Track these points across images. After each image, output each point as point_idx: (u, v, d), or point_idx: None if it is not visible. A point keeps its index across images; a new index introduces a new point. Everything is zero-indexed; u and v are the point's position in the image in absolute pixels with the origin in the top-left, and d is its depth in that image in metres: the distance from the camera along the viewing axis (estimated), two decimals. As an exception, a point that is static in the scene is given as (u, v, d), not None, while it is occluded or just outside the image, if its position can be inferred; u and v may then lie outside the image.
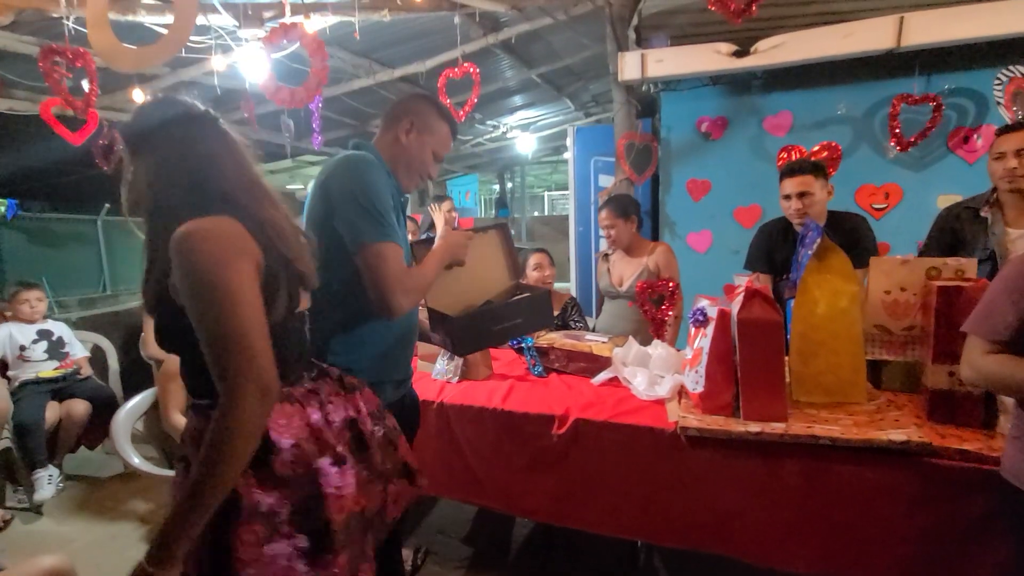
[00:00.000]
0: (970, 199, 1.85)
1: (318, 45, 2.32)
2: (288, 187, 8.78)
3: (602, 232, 2.42)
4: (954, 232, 1.84)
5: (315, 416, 0.91)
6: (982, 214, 1.77)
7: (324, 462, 0.88)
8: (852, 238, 1.90)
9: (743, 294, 1.39)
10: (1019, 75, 2.70)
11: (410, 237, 1.50)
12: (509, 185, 11.23)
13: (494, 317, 1.39)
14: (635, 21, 3.06)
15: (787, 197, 1.97)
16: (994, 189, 1.76)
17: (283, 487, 0.85)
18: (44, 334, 2.89)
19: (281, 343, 0.86)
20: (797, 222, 1.96)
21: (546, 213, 14.47)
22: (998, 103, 2.75)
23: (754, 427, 1.33)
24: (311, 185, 1.24)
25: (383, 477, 1.01)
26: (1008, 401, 1.21)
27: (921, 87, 2.83)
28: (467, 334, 1.37)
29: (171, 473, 1.80)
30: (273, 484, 0.84)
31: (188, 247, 0.79)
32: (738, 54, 2.82)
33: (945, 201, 2.96)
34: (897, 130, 2.84)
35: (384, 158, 1.27)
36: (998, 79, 2.73)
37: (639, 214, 2.40)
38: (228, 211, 0.85)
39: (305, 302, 0.99)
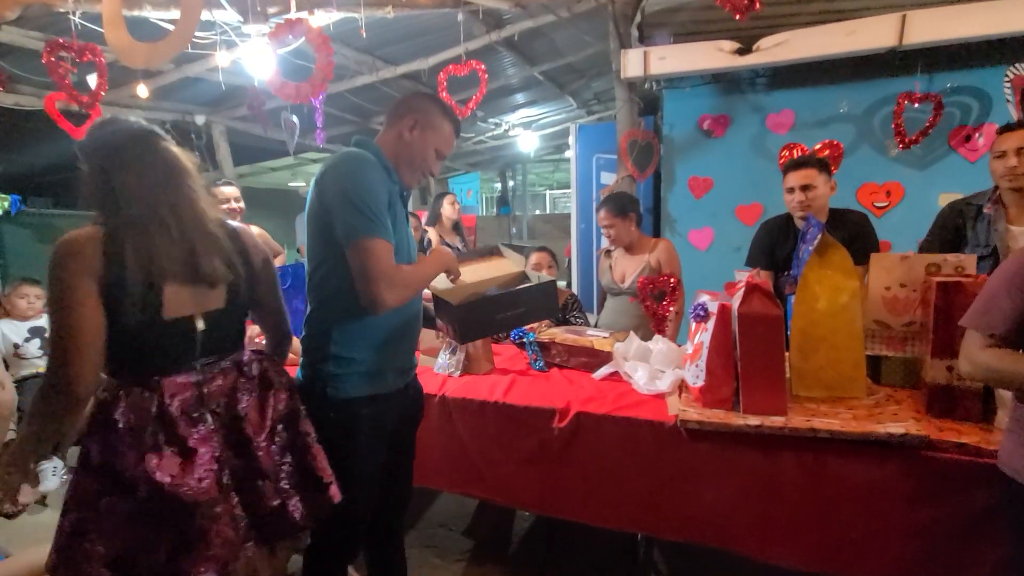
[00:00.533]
0: (973, 196, 1.86)
1: (323, 40, 2.33)
2: (290, 184, 8.80)
3: (602, 231, 2.43)
4: (956, 228, 1.85)
5: (164, 404, 1.01)
6: (985, 211, 1.78)
7: (150, 448, 0.99)
8: (854, 235, 1.91)
9: (743, 289, 1.41)
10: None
11: (413, 233, 1.52)
12: (511, 183, 11.23)
13: (498, 305, 1.39)
14: (638, 18, 3.06)
15: (790, 190, 1.98)
16: (996, 187, 1.77)
17: (112, 457, 0.98)
18: (37, 331, 2.90)
19: (140, 342, 1.00)
20: (799, 215, 1.97)
21: (548, 211, 14.47)
22: (1008, 101, 2.74)
23: (754, 420, 1.35)
24: (311, 182, 1.26)
25: (253, 476, 1.08)
26: (1006, 395, 1.22)
27: (924, 86, 2.84)
28: (471, 321, 1.37)
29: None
30: (107, 453, 0.99)
31: (50, 257, 0.94)
32: (740, 52, 2.83)
33: (946, 200, 2.95)
34: (901, 128, 2.84)
35: (387, 155, 1.29)
36: (1007, 76, 2.73)
37: (638, 211, 2.41)
38: (104, 223, 0.98)
39: (212, 303, 1.09)
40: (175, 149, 1.07)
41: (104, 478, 0.99)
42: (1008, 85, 2.74)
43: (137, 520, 0.97)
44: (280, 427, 1.14)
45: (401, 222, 1.31)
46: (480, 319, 1.37)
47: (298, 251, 3.92)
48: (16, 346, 2.79)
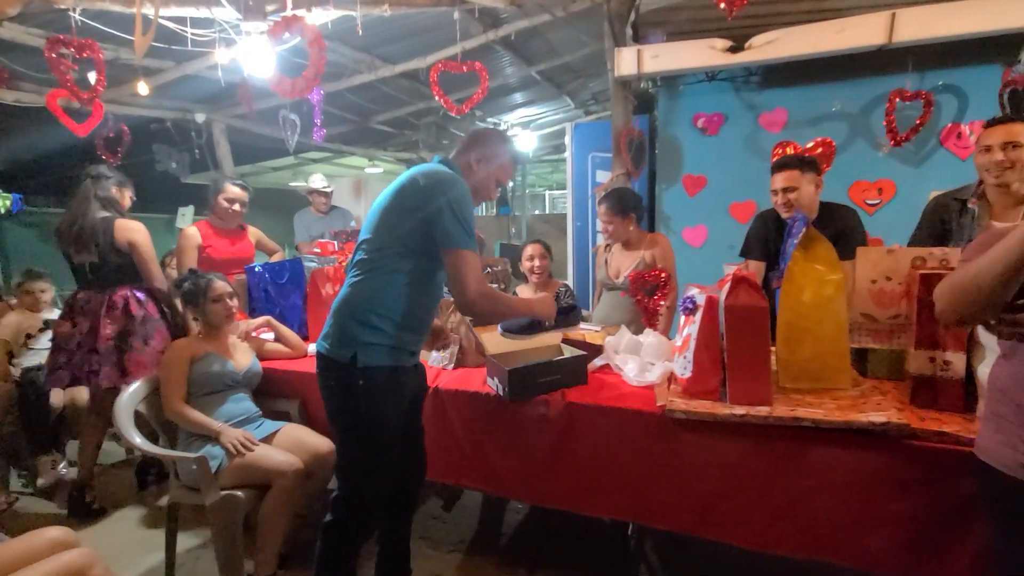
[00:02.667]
0: (958, 190, 1.87)
1: (315, 36, 2.36)
2: (291, 184, 8.81)
3: (599, 227, 2.45)
4: (942, 222, 1.86)
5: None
6: (969, 206, 1.79)
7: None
8: (842, 229, 1.93)
9: (730, 281, 1.43)
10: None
11: None
12: (511, 184, 11.25)
13: (540, 371, 1.65)
14: (632, 18, 3.09)
15: (775, 192, 2.00)
16: (981, 182, 1.79)
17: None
18: (50, 324, 2.93)
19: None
20: (785, 215, 1.99)
21: (547, 211, 14.47)
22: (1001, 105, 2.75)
23: (739, 410, 1.37)
24: (403, 176, 1.44)
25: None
26: (985, 384, 1.24)
27: (914, 83, 2.86)
28: (517, 382, 1.61)
29: (171, 453, 1.84)
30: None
31: None
32: (732, 49, 2.86)
33: (938, 197, 3.00)
34: (893, 125, 2.87)
35: (470, 181, 1.48)
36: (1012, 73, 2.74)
37: (640, 210, 2.42)
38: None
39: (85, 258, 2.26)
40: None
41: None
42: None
43: None
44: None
45: None
46: (526, 381, 1.63)
47: (296, 248, 3.94)
48: (28, 336, 2.82)
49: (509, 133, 6.98)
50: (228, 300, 2.04)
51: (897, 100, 2.83)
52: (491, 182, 1.55)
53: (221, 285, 2.04)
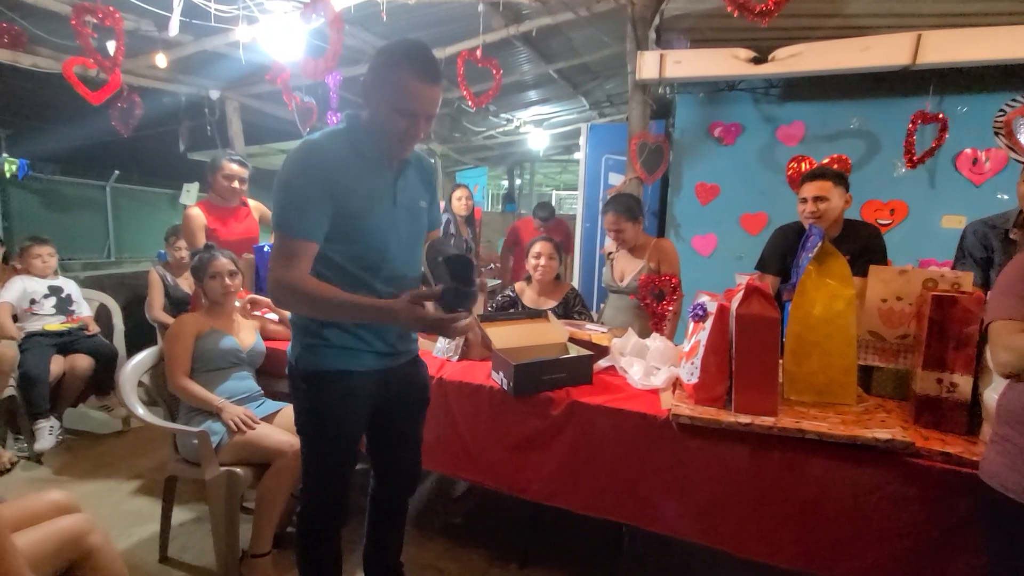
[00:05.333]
0: (995, 218, 1.85)
1: (335, 16, 2.35)
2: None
3: (608, 234, 2.41)
4: (986, 248, 1.85)
5: None
6: (1011, 236, 1.78)
7: None
8: (868, 247, 1.94)
9: (743, 291, 1.43)
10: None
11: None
12: (518, 181, 11.23)
13: (546, 368, 1.64)
14: (656, 22, 3.08)
15: (803, 200, 2.01)
16: (1021, 211, 1.77)
17: None
18: (55, 290, 2.94)
19: None
20: (822, 229, 1.98)
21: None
22: (996, 132, 2.74)
23: (744, 419, 1.37)
24: None
25: None
26: (991, 409, 1.25)
27: (934, 107, 2.86)
28: (523, 378, 1.60)
29: (173, 426, 1.85)
30: None
31: None
32: (756, 60, 2.85)
33: (949, 221, 3.00)
34: (912, 147, 2.85)
35: (365, 127, 1.23)
36: (1001, 109, 2.73)
37: (643, 212, 2.42)
38: None
39: None
40: None
41: None
42: (1000, 116, 2.73)
43: None
44: None
45: (370, 200, 1.22)
46: (531, 377, 1.61)
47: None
48: (33, 301, 2.82)
49: (521, 130, 6.98)
50: (227, 278, 2.02)
51: (919, 122, 2.82)
52: (393, 117, 1.16)
53: (222, 262, 2.03)
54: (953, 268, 1.95)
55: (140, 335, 3.30)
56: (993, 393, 1.26)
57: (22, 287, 2.81)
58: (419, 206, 1.35)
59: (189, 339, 1.94)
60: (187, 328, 1.96)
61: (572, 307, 2.51)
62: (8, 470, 2.46)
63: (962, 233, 1.94)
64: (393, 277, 1.28)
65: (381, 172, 1.25)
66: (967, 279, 1.47)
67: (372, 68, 1.18)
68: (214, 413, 1.83)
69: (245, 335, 2.07)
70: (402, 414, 1.46)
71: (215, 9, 2.66)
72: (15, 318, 2.77)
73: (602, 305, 2.67)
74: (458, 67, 3.21)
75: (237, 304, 2.15)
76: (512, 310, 2.40)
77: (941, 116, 2.77)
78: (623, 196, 2.52)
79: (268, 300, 2.27)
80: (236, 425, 1.79)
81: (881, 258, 1.99)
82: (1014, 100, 2.65)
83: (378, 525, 1.56)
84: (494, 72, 3.21)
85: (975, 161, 2.91)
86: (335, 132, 1.24)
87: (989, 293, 1.15)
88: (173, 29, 2.27)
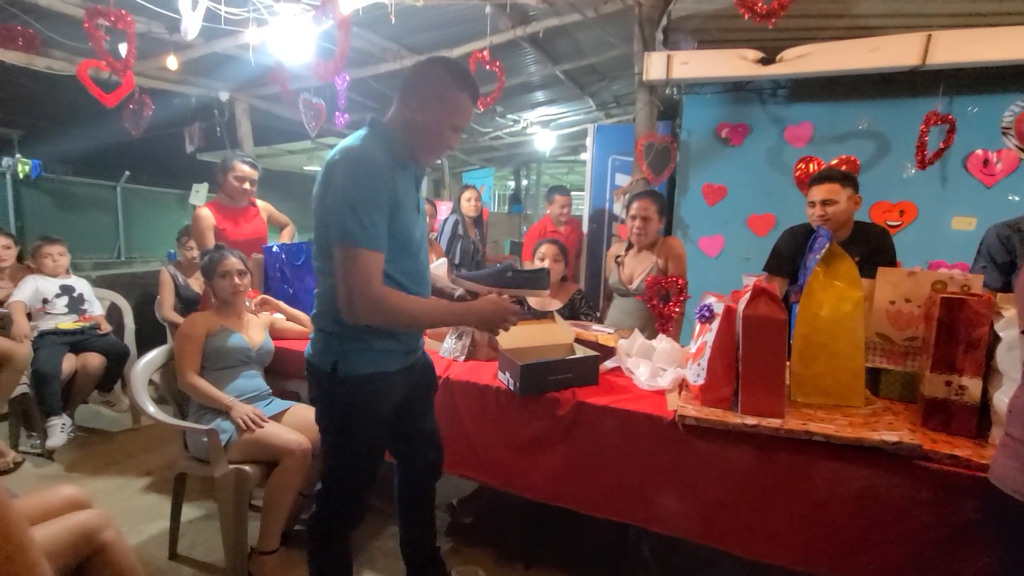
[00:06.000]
0: (1020, 220, 1.83)
1: (343, 17, 2.37)
2: (306, 168, 8.86)
3: (630, 221, 2.34)
4: (1009, 252, 1.83)
5: None
6: None
7: None
8: (877, 248, 1.93)
9: (750, 292, 1.43)
10: None
11: (428, 220, 1.55)
12: (525, 182, 11.23)
13: (552, 369, 1.65)
14: (664, 23, 3.08)
15: (812, 204, 2.00)
16: None
17: None
18: (67, 289, 2.98)
19: None
20: (830, 231, 1.97)
21: (559, 212, 14.46)
22: (1004, 132, 2.70)
23: (751, 420, 1.37)
24: (323, 165, 1.25)
25: None
26: (1001, 412, 1.24)
27: (944, 107, 2.84)
28: (529, 378, 1.61)
29: (183, 424, 1.87)
30: None
31: None
32: (764, 61, 2.84)
33: (960, 223, 2.98)
34: (925, 148, 2.82)
35: (399, 135, 1.26)
36: (1011, 110, 2.69)
37: (665, 211, 2.41)
38: None
39: None
40: None
41: None
42: (1009, 117, 2.68)
43: None
44: None
45: (410, 209, 1.28)
46: (537, 377, 1.62)
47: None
48: (45, 300, 2.86)
49: (528, 131, 6.99)
50: (236, 277, 2.04)
51: (931, 123, 2.79)
52: (443, 128, 1.23)
53: (232, 262, 2.05)
54: (972, 271, 1.93)
55: (150, 334, 3.34)
56: (1003, 396, 1.25)
57: (35, 286, 2.85)
58: (423, 218, 1.40)
59: (199, 337, 1.96)
60: (198, 327, 1.98)
61: (579, 308, 2.51)
62: (12, 469, 2.50)
63: (983, 236, 1.91)
64: (425, 290, 1.34)
65: (409, 179, 1.29)
66: (976, 281, 1.46)
67: (422, 82, 1.22)
68: (223, 411, 1.86)
69: (254, 333, 2.10)
70: (418, 402, 1.53)
71: (225, 12, 2.69)
72: (28, 316, 2.81)
73: (601, 304, 2.67)
74: (470, 68, 3.22)
75: (248, 304, 2.18)
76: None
77: (949, 117, 2.74)
78: (652, 191, 2.49)
79: (278, 302, 2.30)
80: (245, 424, 1.81)
81: (890, 259, 1.98)
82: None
83: (412, 513, 1.62)
84: (498, 73, 3.23)
85: (986, 162, 2.88)
86: (370, 139, 1.23)
87: (1015, 294, 1.12)
88: (192, 32, 2.29)
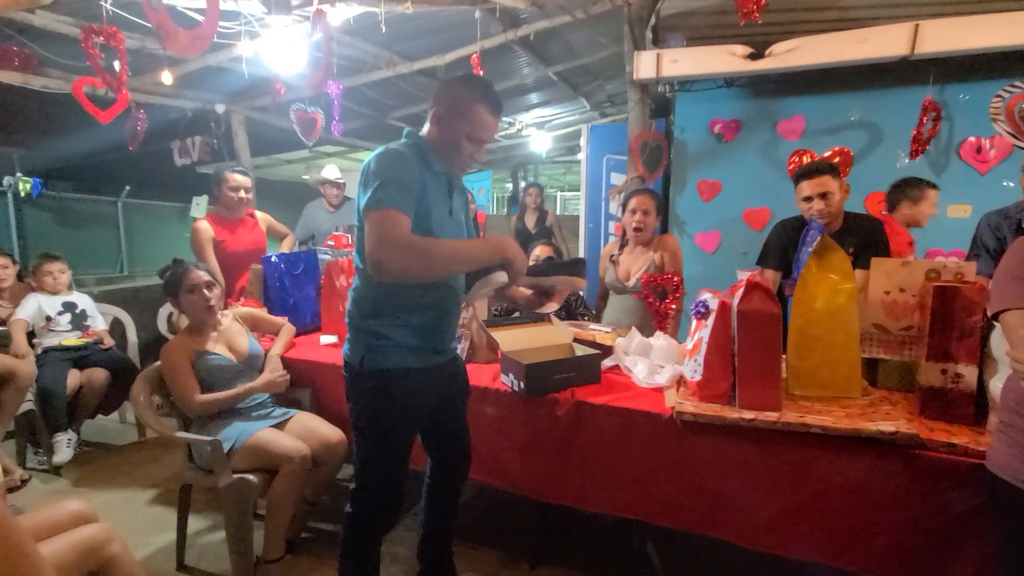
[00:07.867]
0: (1011, 207, 1.84)
1: (326, 31, 2.40)
2: (303, 177, 8.90)
3: (629, 216, 2.35)
4: (999, 240, 1.84)
5: None
6: None
7: None
8: (869, 239, 1.93)
9: (744, 286, 1.44)
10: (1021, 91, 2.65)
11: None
12: (522, 184, 11.26)
13: (556, 368, 1.69)
14: (653, 21, 3.09)
15: (807, 199, 1.98)
16: None
17: None
18: (69, 306, 3.00)
19: None
20: (823, 223, 1.98)
21: (558, 213, 14.48)
22: (993, 118, 2.69)
23: (748, 414, 1.38)
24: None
25: None
26: (997, 398, 1.25)
27: (935, 96, 2.84)
28: (534, 378, 1.65)
29: (186, 436, 1.88)
30: None
31: None
32: (753, 56, 2.85)
33: (955, 211, 2.98)
34: (920, 136, 2.81)
35: (431, 146, 1.35)
36: (999, 96, 2.69)
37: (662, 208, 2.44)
38: None
39: None
40: None
41: None
42: (998, 103, 2.68)
43: None
44: None
45: (441, 212, 1.35)
46: (542, 377, 1.66)
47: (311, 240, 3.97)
48: (48, 318, 2.88)
49: (523, 133, 7.01)
50: (205, 290, 1.93)
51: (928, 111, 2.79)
52: (460, 140, 1.32)
53: (197, 274, 1.95)
54: (967, 260, 1.94)
55: (155, 347, 3.36)
56: (998, 382, 1.25)
57: (37, 304, 2.87)
58: (465, 221, 1.52)
59: (185, 364, 1.88)
60: (178, 357, 1.88)
61: (575, 308, 2.52)
62: (20, 486, 2.51)
63: (978, 224, 1.93)
64: (443, 283, 1.38)
65: (441, 185, 1.38)
66: (970, 269, 1.46)
67: (450, 98, 1.32)
68: (238, 412, 1.90)
69: (237, 343, 2.03)
70: (451, 405, 1.57)
71: (218, 26, 2.71)
72: (33, 334, 2.83)
73: (595, 303, 2.67)
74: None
75: (224, 315, 2.08)
76: (515, 314, 2.42)
77: (935, 105, 2.75)
78: (650, 188, 2.49)
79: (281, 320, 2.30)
80: (276, 384, 1.96)
81: (884, 250, 1.98)
82: (1013, 86, 2.61)
83: (436, 507, 1.66)
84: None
85: (979, 149, 2.89)
86: (404, 144, 1.33)
87: (992, 280, 1.14)
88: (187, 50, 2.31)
